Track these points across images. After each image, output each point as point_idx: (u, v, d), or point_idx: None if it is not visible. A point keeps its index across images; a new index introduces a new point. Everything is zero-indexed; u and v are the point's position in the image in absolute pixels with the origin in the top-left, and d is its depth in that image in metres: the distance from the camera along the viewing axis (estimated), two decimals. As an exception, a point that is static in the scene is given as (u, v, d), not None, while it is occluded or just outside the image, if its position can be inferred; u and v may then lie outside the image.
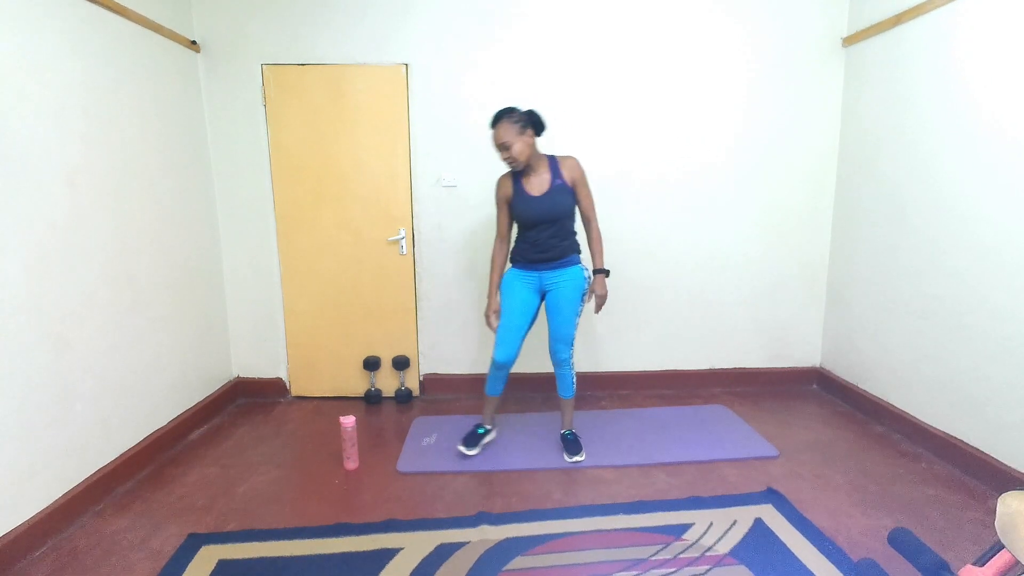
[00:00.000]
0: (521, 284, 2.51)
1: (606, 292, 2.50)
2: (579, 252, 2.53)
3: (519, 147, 2.32)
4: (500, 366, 2.54)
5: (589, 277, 2.52)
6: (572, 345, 2.55)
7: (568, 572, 1.80)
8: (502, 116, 2.33)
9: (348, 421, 2.49)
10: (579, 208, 2.49)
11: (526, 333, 2.55)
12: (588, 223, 2.51)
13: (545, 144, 3.19)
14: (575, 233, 2.52)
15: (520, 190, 2.43)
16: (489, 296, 2.57)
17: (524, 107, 2.42)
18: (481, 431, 2.67)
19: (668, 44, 3.17)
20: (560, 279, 2.47)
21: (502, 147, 2.33)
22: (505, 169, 2.51)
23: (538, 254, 2.45)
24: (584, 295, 2.51)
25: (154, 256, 2.67)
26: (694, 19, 3.15)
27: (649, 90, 3.20)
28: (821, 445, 2.71)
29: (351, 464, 2.51)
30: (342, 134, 3.16)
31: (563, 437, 2.67)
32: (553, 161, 2.44)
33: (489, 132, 3.16)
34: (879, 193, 2.95)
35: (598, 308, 2.54)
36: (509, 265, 2.60)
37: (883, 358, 2.95)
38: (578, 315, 2.51)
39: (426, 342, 3.39)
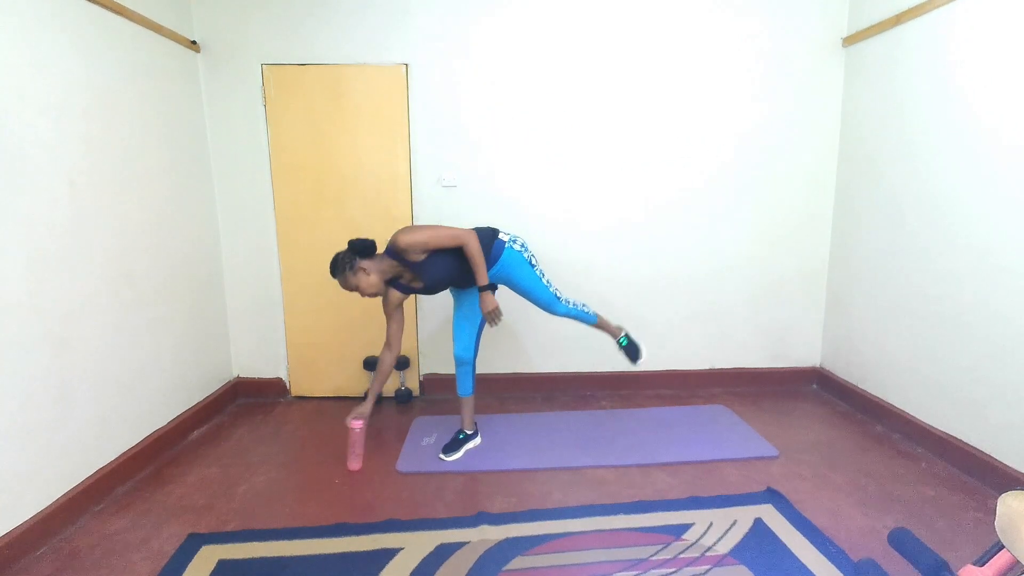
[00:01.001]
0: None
1: (493, 306, 2.34)
2: (493, 238, 2.45)
3: (363, 285, 2.33)
4: (461, 361, 2.59)
5: (523, 246, 2.51)
6: (560, 299, 2.59)
7: (568, 572, 1.80)
8: (333, 274, 2.34)
9: (357, 424, 2.47)
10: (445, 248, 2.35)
11: (479, 324, 2.59)
12: (463, 247, 2.33)
13: (548, 142, 3.22)
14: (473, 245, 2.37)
15: (406, 288, 2.46)
16: (367, 399, 2.52)
17: (342, 249, 2.40)
18: (462, 436, 2.67)
19: (669, 45, 3.17)
20: (501, 272, 2.50)
21: (354, 291, 2.36)
22: None
23: (466, 284, 2.51)
24: (530, 261, 2.52)
25: (154, 256, 2.67)
26: (695, 20, 3.15)
27: (649, 90, 3.20)
28: (821, 445, 2.71)
29: (355, 465, 2.51)
30: (342, 134, 3.16)
31: (618, 343, 2.77)
32: (394, 256, 2.34)
33: (487, 134, 3.22)
34: (879, 194, 2.95)
35: (491, 322, 2.36)
36: None
37: (883, 358, 2.95)
38: (542, 277, 2.54)
39: (426, 342, 3.38)
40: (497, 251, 2.46)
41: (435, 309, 3.34)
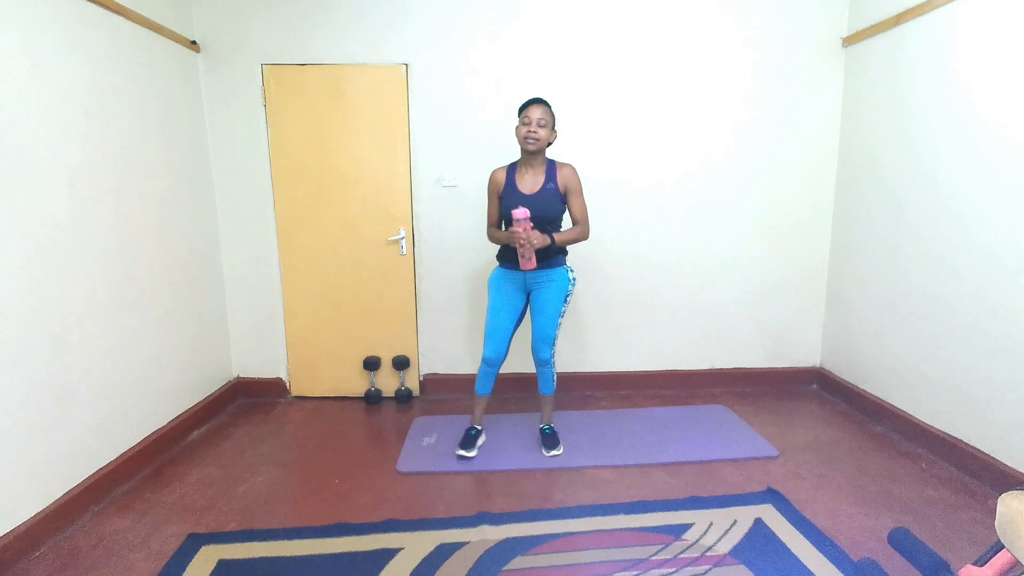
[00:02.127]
0: (507, 283, 2.55)
1: (534, 238, 2.30)
2: (565, 254, 2.55)
3: (546, 132, 2.38)
4: (491, 362, 2.58)
5: (574, 279, 2.55)
6: (554, 345, 2.59)
7: (568, 572, 1.80)
8: (545, 101, 2.42)
9: (522, 213, 2.30)
10: (569, 213, 2.48)
11: (514, 330, 2.60)
12: (576, 224, 2.48)
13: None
14: (584, 233, 2.50)
15: (512, 186, 2.45)
16: (507, 236, 2.44)
17: None
18: (473, 432, 2.68)
19: (668, 44, 3.17)
20: (544, 280, 2.49)
21: (536, 123, 2.35)
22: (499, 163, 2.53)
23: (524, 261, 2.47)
24: (568, 297, 2.53)
25: (154, 256, 2.67)
26: (695, 20, 3.15)
27: (649, 90, 3.20)
28: (821, 445, 2.71)
29: (531, 264, 2.35)
30: (342, 134, 3.16)
31: (542, 432, 2.73)
32: (551, 165, 2.46)
33: (487, 134, 3.21)
34: (879, 193, 2.95)
35: (519, 237, 2.30)
36: (496, 263, 2.61)
37: (883, 358, 2.95)
38: (561, 315, 2.55)
39: (426, 342, 3.38)
40: (558, 262, 2.50)
41: (435, 309, 3.34)
